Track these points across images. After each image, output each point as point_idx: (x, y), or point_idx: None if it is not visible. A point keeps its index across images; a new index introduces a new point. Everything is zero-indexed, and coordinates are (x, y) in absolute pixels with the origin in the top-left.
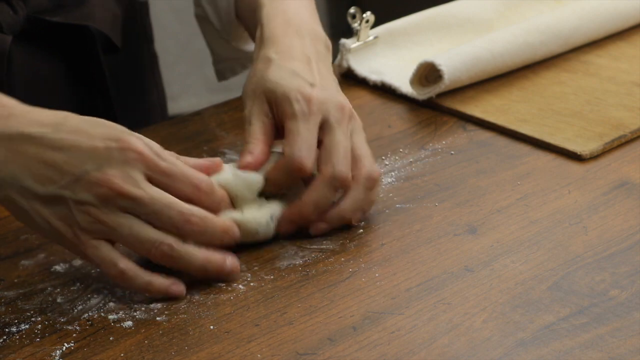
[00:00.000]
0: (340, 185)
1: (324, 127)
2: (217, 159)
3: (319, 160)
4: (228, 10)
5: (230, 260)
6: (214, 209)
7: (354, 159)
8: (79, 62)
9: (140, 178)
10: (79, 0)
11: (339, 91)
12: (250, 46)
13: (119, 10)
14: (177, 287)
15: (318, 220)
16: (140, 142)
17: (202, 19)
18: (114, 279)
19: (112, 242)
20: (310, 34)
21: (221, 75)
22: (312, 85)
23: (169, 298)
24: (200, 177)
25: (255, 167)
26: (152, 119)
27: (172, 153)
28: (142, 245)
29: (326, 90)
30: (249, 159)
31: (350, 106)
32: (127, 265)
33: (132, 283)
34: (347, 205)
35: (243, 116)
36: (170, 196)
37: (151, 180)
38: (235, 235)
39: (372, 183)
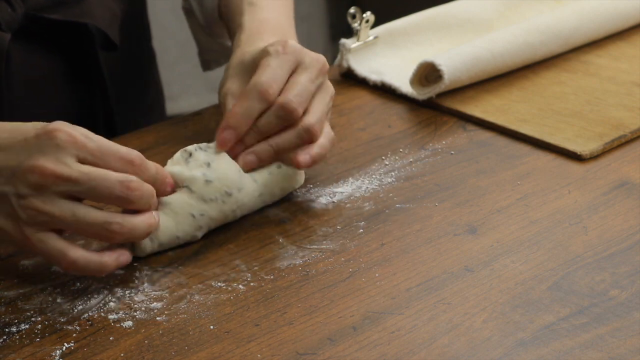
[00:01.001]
0: (285, 116)
1: (295, 70)
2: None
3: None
4: (212, 8)
5: (156, 215)
6: (151, 182)
7: (297, 118)
8: (77, 59)
9: (71, 160)
10: None
11: None
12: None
13: (117, 8)
14: (125, 256)
15: (248, 152)
16: (68, 127)
17: (188, 12)
18: (66, 270)
19: (59, 232)
20: (284, 37)
21: (206, 65)
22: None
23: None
24: (131, 151)
25: (233, 140)
26: (151, 117)
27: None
28: (91, 229)
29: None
30: (227, 134)
31: (327, 64)
32: (76, 253)
33: (85, 270)
34: (278, 139)
35: (219, 101)
36: (104, 169)
37: (83, 162)
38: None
39: (309, 135)
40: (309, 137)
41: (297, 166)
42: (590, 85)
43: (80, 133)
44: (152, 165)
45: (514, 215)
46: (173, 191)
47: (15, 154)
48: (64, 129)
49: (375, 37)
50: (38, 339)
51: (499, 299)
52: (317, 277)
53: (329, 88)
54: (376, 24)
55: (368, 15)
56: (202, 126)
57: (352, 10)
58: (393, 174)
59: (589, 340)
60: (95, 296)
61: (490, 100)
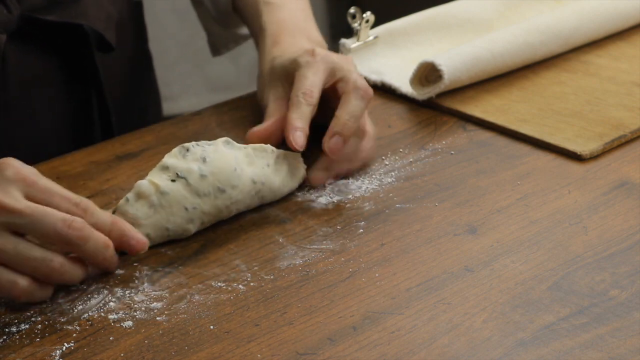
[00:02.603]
0: (365, 94)
1: (333, 72)
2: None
3: (339, 89)
4: (226, 3)
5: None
6: (103, 231)
7: (371, 94)
8: (73, 60)
9: (18, 194)
10: None
11: None
12: (244, 30)
13: (113, 9)
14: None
15: (326, 137)
16: (18, 163)
17: (197, 4)
18: (18, 299)
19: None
20: (307, 37)
21: (215, 50)
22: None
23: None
24: (77, 196)
25: (261, 136)
26: (147, 118)
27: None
28: (30, 263)
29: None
30: (255, 128)
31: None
32: (25, 281)
33: (39, 296)
34: (352, 108)
35: (262, 109)
36: (51, 208)
37: (31, 199)
38: (115, 256)
39: (366, 92)
40: (367, 94)
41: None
42: (590, 85)
43: (29, 171)
44: (107, 216)
45: (514, 215)
46: (141, 249)
47: None
48: (14, 164)
49: (375, 37)
50: (38, 339)
51: (499, 299)
52: (317, 277)
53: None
54: (376, 24)
55: (368, 15)
56: (202, 126)
57: (352, 10)
58: (393, 174)
59: (589, 340)
60: (95, 296)
61: (490, 100)
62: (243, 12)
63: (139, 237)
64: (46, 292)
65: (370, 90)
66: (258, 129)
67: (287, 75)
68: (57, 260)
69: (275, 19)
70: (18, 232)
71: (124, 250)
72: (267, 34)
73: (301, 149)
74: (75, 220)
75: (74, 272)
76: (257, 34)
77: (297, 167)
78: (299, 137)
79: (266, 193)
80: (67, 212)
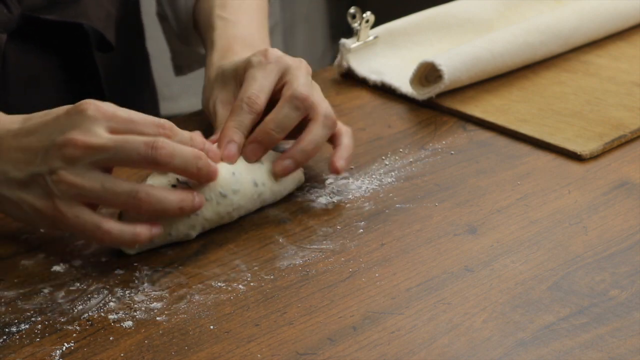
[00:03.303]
0: (301, 104)
1: (283, 75)
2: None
3: (282, 92)
4: (187, 19)
5: (198, 197)
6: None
7: (311, 104)
8: (73, 60)
9: (101, 131)
10: None
11: None
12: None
13: (112, 8)
14: (157, 229)
15: (283, 158)
16: (97, 102)
17: (162, 18)
18: (101, 242)
19: (94, 208)
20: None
21: (179, 70)
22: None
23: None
24: (160, 119)
25: (238, 152)
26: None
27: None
28: (118, 198)
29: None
30: (231, 147)
31: (308, 65)
32: (110, 225)
33: (119, 241)
34: (307, 139)
35: (210, 117)
36: (133, 135)
37: (116, 132)
38: (211, 165)
39: (330, 121)
40: (332, 124)
41: (337, 172)
42: (590, 85)
43: (109, 105)
44: (186, 133)
45: (514, 215)
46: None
47: (47, 134)
48: (93, 102)
49: (375, 37)
50: (38, 339)
51: (499, 299)
52: (317, 277)
53: (315, 84)
54: (376, 24)
55: (368, 15)
56: (202, 126)
57: (352, 10)
58: (393, 174)
59: (589, 340)
60: (95, 296)
61: (490, 100)
62: (198, 26)
63: (215, 152)
64: (131, 238)
65: (308, 100)
66: (215, 152)
67: (237, 76)
68: (143, 190)
69: (227, 34)
70: (108, 167)
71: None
72: (216, 48)
73: (233, 162)
74: (157, 140)
75: (165, 199)
76: (207, 49)
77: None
78: (231, 149)
79: (267, 195)
80: (154, 135)
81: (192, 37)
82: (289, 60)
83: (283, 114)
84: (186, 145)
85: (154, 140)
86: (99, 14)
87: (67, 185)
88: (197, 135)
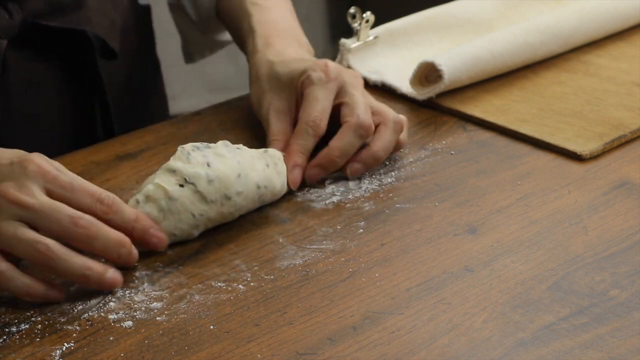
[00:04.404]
0: (365, 133)
1: (341, 92)
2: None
3: (343, 115)
4: (210, 7)
5: (112, 273)
6: (125, 227)
7: (378, 112)
8: (75, 66)
9: (36, 190)
10: (76, 5)
11: None
12: (224, 36)
13: (117, 15)
14: (55, 292)
15: (354, 161)
16: (42, 158)
17: (176, 8)
18: (21, 297)
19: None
20: (297, 41)
21: (189, 57)
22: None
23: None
24: (103, 191)
25: (301, 176)
26: (153, 122)
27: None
28: (20, 246)
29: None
30: (296, 173)
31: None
32: (5, 267)
33: (10, 285)
34: (378, 145)
35: (259, 117)
36: (63, 204)
37: (51, 195)
38: (132, 253)
39: (399, 126)
40: (400, 128)
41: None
42: (590, 85)
43: (53, 166)
44: (131, 212)
45: (514, 215)
46: (161, 247)
47: None
48: (37, 160)
49: (375, 37)
50: (38, 339)
51: (499, 299)
52: (317, 277)
53: (368, 94)
54: (376, 24)
55: (368, 15)
56: (202, 126)
57: (352, 10)
58: (393, 174)
59: (589, 340)
60: (95, 296)
61: (490, 100)
62: (228, 15)
63: (160, 235)
64: (22, 285)
65: (372, 128)
66: (296, 176)
67: (293, 86)
68: (44, 243)
69: (264, 19)
70: (31, 226)
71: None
72: (257, 35)
73: (296, 187)
74: (83, 218)
75: (66, 262)
76: (245, 36)
77: None
78: (297, 175)
79: (267, 197)
80: (89, 208)
81: (212, 25)
82: (346, 76)
83: (347, 141)
84: (128, 225)
85: (80, 216)
86: (103, 21)
87: None
88: (143, 217)
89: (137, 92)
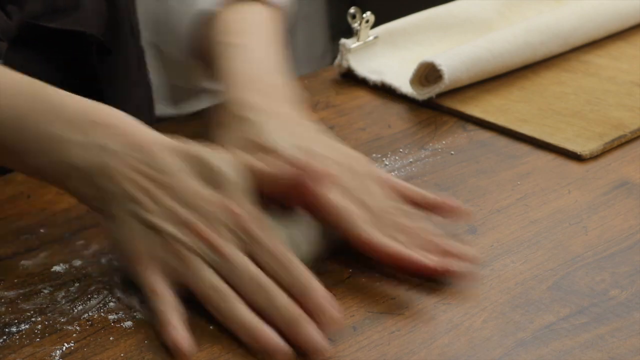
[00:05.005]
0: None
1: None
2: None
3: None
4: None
5: (283, 347)
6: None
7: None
8: (73, 66)
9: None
10: (74, 6)
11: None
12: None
13: (104, 10)
14: (185, 342)
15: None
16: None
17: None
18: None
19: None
20: (273, 91)
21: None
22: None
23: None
24: (308, 279)
25: None
26: (139, 118)
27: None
28: (202, 285)
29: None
30: None
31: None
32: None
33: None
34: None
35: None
36: (275, 288)
37: (250, 255)
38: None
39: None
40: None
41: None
42: (590, 85)
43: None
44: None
45: (514, 215)
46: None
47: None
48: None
49: (375, 37)
50: (38, 339)
51: (499, 299)
52: (317, 277)
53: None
54: (376, 24)
55: (368, 15)
56: (202, 126)
57: (352, 10)
58: (393, 174)
59: (589, 340)
60: (95, 296)
61: (490, 100)
62: (198, 55)
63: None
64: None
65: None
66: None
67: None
68: (222, 290)
69: (234, 66)
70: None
71: None
72: (229, 87)
73: None
74: (264, 332)
75: (237, 314)
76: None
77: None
78: None
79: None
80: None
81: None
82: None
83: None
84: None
85: (260, 330)
86: (99, 21)
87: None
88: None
89: (123, 84)
